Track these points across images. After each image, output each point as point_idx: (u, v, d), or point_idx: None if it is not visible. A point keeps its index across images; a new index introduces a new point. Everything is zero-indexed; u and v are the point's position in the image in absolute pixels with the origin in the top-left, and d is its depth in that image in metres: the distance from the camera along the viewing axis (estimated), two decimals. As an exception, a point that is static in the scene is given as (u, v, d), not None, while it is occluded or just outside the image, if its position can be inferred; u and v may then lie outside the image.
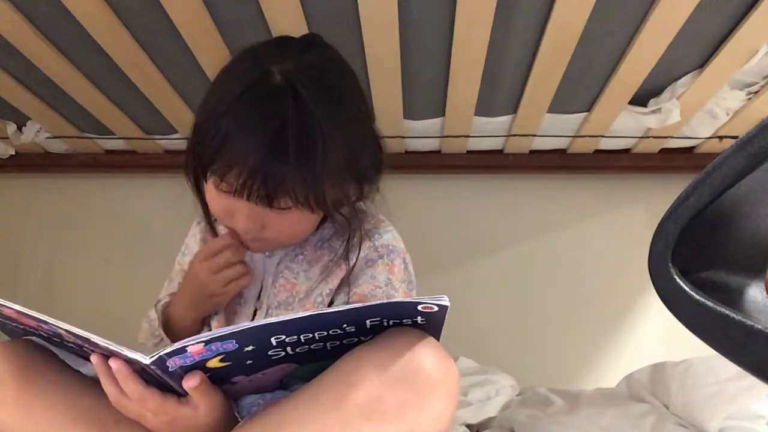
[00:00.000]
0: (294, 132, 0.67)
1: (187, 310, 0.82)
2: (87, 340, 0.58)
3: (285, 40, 0.79)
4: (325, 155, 0.69)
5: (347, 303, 0.79)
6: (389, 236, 0.83)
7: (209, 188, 0.75)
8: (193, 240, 0.90)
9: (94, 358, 0.59)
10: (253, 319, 0.82)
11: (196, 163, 0.74)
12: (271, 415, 0.60)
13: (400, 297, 0.79)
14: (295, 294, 0.81)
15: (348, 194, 0.78)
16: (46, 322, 0.60)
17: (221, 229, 0.88)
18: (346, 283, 0.81)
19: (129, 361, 0.58)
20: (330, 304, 0.81)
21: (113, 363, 0.58)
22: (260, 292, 0.83)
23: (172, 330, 0.82)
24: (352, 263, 0.81)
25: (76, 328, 0.58)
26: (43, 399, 0.65)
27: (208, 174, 0.73)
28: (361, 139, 0.76)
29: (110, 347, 0.57)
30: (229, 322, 0.83)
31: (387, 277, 0.80)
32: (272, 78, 0.69)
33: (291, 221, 0.74)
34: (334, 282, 0.81)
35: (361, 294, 0.79)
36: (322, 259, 0.82)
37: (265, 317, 0.81)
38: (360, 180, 0.78)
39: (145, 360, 0.55)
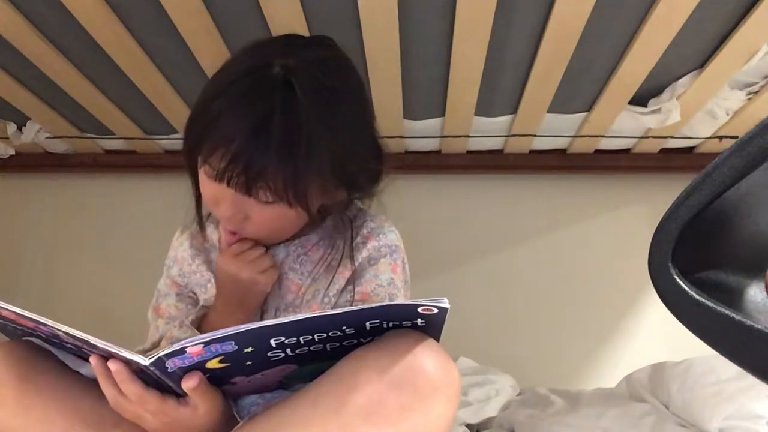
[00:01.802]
0: (279, 123, 0.67)
1: (232, 314, 0.79)
2: (85, 341, 0.58)
3: (294, 37, 0.79)
4: (308, 153, 0.68)
5: (350, 302, 0.79)
6: (393, 236, 0.83)
7: (201, 174, 0.75)
8: (181, 249, 0.88)
9: (92, 359, 0.59)
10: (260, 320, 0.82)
11: (188, 146, 0.75)
12: (271, 417, 0.60)
13: (401, 296, 0.79)
14: (302, 295, 0.81)
15: (334, 198, 0.78)
16: (44, 324, 0.60)
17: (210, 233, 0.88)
18: (350, 282, 0.81)
19: (127, 362, 0.58)
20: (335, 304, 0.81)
21: (112, 364, 0.58)
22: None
23: None
24: (357, 262, 0.80)
25: (74, 330, 0.58)
26: (42, 400, 0.64)
27: (198, 158, 0.73)
28: (353, 145, 0.75)
29: (109, 349, 0.57)
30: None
31: (390, 276, 0.80)
32: (271, 69, 0.70)
33: (273, 216, 0.73)
34: (340, 282, 0.80)
35: (364, 292, 0.79)
36: (325, 258, 0.82)
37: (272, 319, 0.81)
38: (349, 186, 0.77)
39: (145, 361, 0.55)
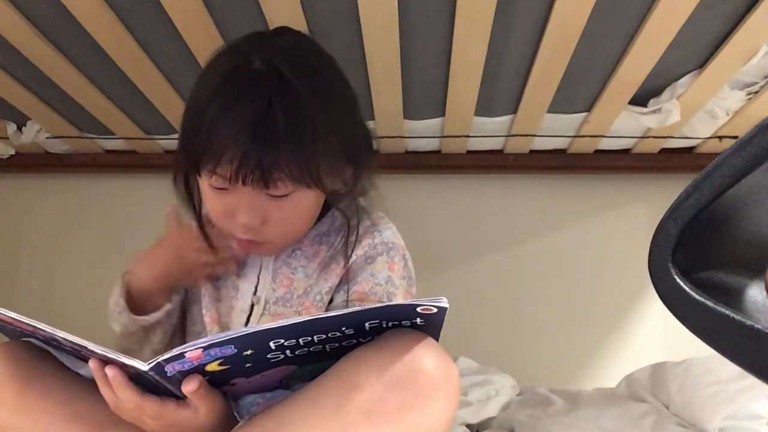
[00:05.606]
0: (281, 109, 0.67)
1: (158, 270, 0.82)
2: (84, 347, 0.58)
3: (259, 32, 0.80)
4: (315, 131, 0.69)
5: (346, 301, 0.79)
6: (389, 233, 0.83)
7: (205, 189, 0.74)
8: None
9: (91, 363, 0.59)
10: (250, 313, 0.82)
11: (188, 161, 0.74)
12: (272, 416, 0.60)
13: (400, 294, 0.79)
14: (294, 290, 0.81)
15: (344, 177, 0.78)
16: (42, 329, 0.60)
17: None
18: (345, 280, 0.80)
19: (126, 367, 0.58)
20: (330, 302, 0.80)
21: (109, 371, 0.58)
22: (257, 286, 0.83)
23: (136, 297, 0.82)
24: (351, 260, 0.80)
25: (72, 336, 0.58)
26: (42, 400, 0.64)
27: (201, 171, 0.72)
28: (350, 119, 0.77)
29: (107, 354, 0.57)
30: (223, 316, 0.83)
31: (387, 274, 0.79)
32: (252, 64, 0.70)
33: (291, 210, 0.74)
34: (333, 279, 0.80)
35: (361, 292, 0.78)
36: (319, 254, 0.82)
37: (262, 312, 0.81)
38: (354, 162, 0.78)
39: (143, 367, 0.55)
